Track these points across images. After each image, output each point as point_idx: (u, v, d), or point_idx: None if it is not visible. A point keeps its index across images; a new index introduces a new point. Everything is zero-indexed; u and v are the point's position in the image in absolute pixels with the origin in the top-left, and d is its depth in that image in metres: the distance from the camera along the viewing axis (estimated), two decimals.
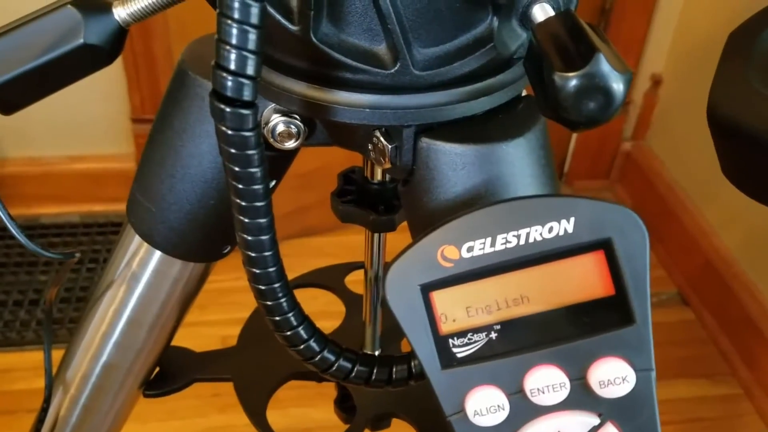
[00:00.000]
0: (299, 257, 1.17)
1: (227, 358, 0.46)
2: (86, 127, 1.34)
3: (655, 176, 1.40)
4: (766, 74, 0.35)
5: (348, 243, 1.32)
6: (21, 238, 0.30)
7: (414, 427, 0.43)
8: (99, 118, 1.33)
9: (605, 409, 0.24)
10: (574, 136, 1.50)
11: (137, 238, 0.36)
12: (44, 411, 0.42)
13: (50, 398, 0.41)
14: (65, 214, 1.38)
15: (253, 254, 0.25)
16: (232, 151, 0.22)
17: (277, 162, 0.33)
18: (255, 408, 0.42)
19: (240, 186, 0.23)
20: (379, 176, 0.39)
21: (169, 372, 0.44)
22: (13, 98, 0.30)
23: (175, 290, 0.38)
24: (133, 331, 0.39)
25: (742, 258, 1.19)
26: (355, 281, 0.55)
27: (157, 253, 0.36)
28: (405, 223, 0.33)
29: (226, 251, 0.37)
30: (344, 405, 0.47)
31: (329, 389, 0.53)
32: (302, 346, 0.27)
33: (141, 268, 0.37)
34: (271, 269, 0.26)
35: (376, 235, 0.45)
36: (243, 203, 0.24)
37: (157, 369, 0.43)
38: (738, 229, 1.22)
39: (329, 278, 0.53)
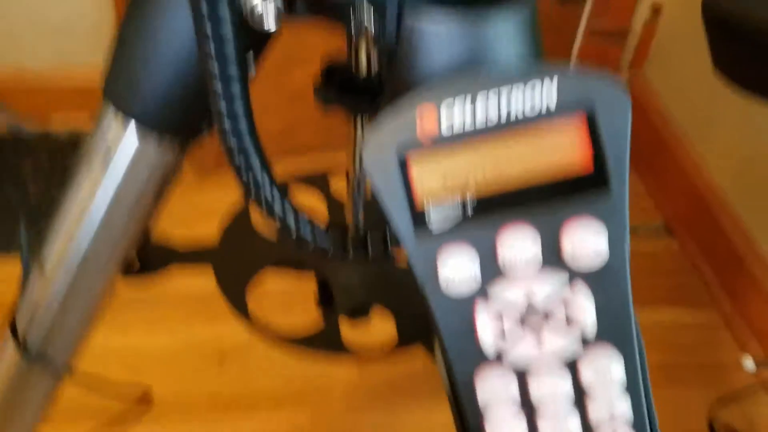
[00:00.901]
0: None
1: (207, 253, 0.46)
2: (74, 36, 1.31)
3: (649, 107, 1.38)
4: None
5: (338, 161, 1.31)
6: None
7: (392, 315, 0.43)
8: (87, 27, 1.30)
9: (576, 272, 0.24)
10: (571, 64, 1.47)
11: (112, 114, 0.35)
12: (23, 291, 0.42)
13: (27, 278, 0.41)
14: (52, 125, 1.36)
15: (223, 108, 0.24)
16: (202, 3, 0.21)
17: (258, 39, 0.32)
18: (234, 292, 0.42)
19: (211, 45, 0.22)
20: (364, 63, 0.38)
21: (149, 258, 0.44)
22: None
23: (153, 170, 0.37)
24: (110, 211, 0.38)
25: (731, 191, 1.20)
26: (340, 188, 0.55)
27: (133, 129, 0.35)
28: None
29: (203, 129, 0.36)
30: (325, 302, 0.48)
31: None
32: (266, 205, 0.27)
33: (116, 145, 0.36)
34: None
35: (359, 135, 0.44)
36: (214, 65, 0.23)
37: (137, 255, 0.43)
38: (729, 162, 1.21)
39: (313, 184, 0.53)
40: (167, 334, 1.03)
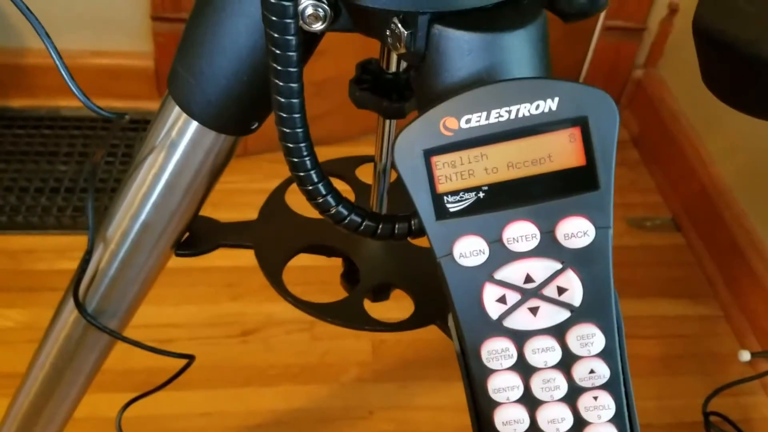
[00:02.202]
0: None
1: (248, 228, 0.51)
2: (108, 22, 1.36)
3: (661, 104, 1.42)
4: None
5: (360, 153, 1.36)
6: (79, 94, 0.34)
7: (410, 297, 0.49)
8: (121, 13, 1.35)
9: (567, 257, 0.30)
10: (587, 61, 1.51)
11: (176, 109, 0.41)
12: (86, 261, 0.47)
13: (92, 250, 0.47)
14: (86, 108, 1.41)
15: (284, 115, 0.30)
16: (273, 18, 0.26)
17: (304, 45, 0.37)
18: (273, 271, 0.47)
19: (277, 51, 0.27)
20: (393, 67, 0.43)
21: (198, 237, 0.49)
22: None
23: (207, 160, 0.42)
24: (169, 193, 0.44)
25: (736, 188, 1.24)
26: (364, 174, 0.60)
27: (194, 124, 0.40)
28: None
29: (254, 127, 0.41)
30: (349, 278, 0.53)
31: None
32: (321, 200, 0.32)
33: (179, 137, 0.41)
34: (299, 130, 0.30)
35: (386, 130, 0.49)
36: (279, 67, 0.28)
37: (187, 234, 0.49)
38: (735, 160, 1.25)
39: (341, 168, 0.58)
40: (195, 309, 1.10)
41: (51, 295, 0.56)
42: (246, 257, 0.55)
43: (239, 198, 1.09)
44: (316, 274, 0.69)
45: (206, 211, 0.48)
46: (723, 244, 1.24)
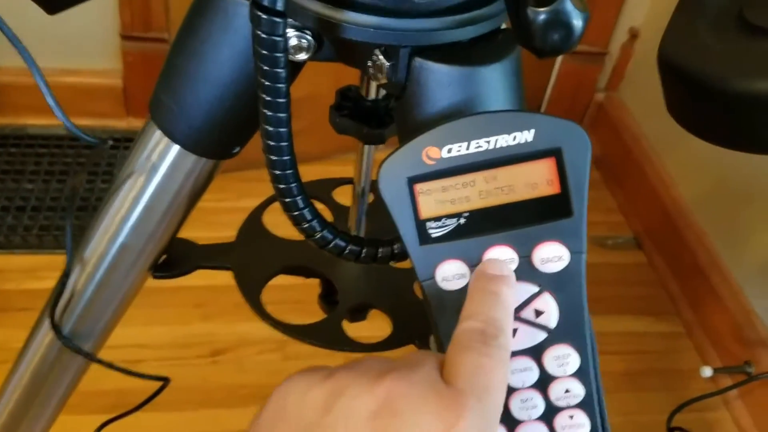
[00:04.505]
0: None
1: (226, 250, 0.52)
2: (77, 40, 1.35)
3: (623, 127, 1.47)
4: (714, 25, 0.41)
5: (333, 172, 1.37)
6: (64, 119, 0.35)
7: (388, 316, 0.49)
8: (90, 32, 1.34)
9: (544, 281, 0.31)
10: (551, 85, 1.55)
11: (158, 134, 0.41)
12: (63, 284, 0.47)
13: (69, 272, 0.47)
14: (52, 126, 1.40)
15: (272, 143, 0.30)
16: (264, 52, 0.27)
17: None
18: (252, 293, 0.48)
19: (267, 83, 0.28)
20: (372, 94, 0.45)
21: (175, 259, 0.50)
22: None
23: (187, 183, 0.43)
24: (148, 216, 0.44)
25: (696, 209, 1.28)
26: (341, 196, 0.61)
27: (176, 148, 0.41)
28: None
29: (235, 151, 0.42)
30: (327, 299, 0.54)
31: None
32: (306, 225, 0.33)
33: (160, 160, 0.42)
34: (286, 157, 0.31)
35: (366, 153, 0.51)
36: (268, 98, 0.29)
37: (165, 256, 0.49)
38: (695, 181, 1.30)
39: (319, 190, 0.59)
40: (164, 330, 1.08)
41: (20, 315, 0.55)
42: (216, 277, 0.55)
43: (211, 217, 1.08)
44: (290, 292, 0.70)
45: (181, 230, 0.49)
46: (684, 263, 1.27)
